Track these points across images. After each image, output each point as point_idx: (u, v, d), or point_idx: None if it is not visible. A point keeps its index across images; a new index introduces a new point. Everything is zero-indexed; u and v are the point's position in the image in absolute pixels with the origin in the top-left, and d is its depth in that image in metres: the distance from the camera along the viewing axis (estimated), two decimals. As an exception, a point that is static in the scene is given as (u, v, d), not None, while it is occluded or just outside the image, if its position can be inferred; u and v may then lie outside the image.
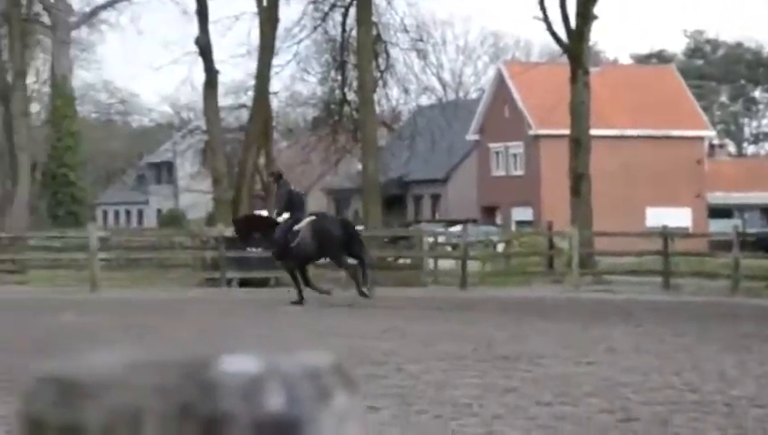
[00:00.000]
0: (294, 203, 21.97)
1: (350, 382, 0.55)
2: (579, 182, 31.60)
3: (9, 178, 38.88)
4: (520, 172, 53.94)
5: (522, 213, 52.36)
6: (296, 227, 21.47)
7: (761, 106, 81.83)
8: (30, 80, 43.60)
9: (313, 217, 22.29)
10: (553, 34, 32.19)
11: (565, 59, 33.49)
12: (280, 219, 21.65)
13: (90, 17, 49.23)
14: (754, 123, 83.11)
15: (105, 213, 71.54)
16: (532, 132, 52.47)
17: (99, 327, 16.46)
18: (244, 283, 26.92)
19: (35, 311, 19.36)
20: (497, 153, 55.48)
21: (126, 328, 16.26)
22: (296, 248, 21.35)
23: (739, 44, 79.16)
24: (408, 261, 30.78)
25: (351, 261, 22.02)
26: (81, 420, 0.47)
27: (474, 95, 67.06)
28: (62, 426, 0.48)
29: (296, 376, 0.52)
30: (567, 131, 32.97)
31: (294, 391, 0.50)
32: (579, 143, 31.86)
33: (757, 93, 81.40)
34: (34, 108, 50.50)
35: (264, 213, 24.49)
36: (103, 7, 48.69)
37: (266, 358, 0.53)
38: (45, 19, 44.54)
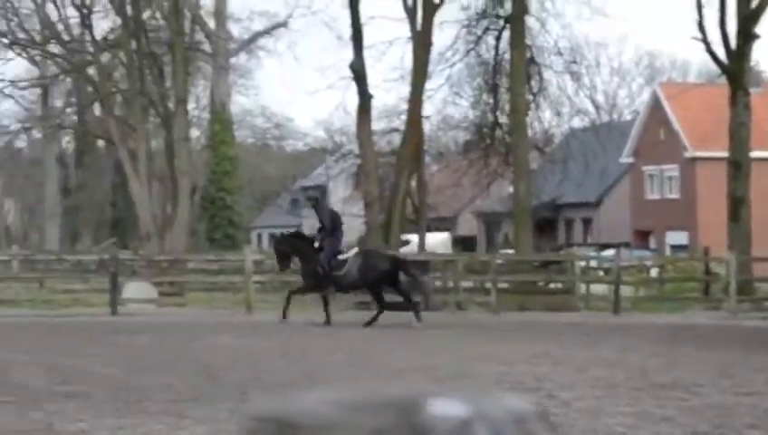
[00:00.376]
0: (335, 223, 22.18)
1: (553, 428, 0.56)
2: (737, 206, 30.79)
3: (169, 201, 40.06)
4: (675, 196, 52.84)
5: (677, 237, 51.23)
6: (341, 257, 21.77)
7: None
8: (190, 106, 44.89)
9: (359, 251, 22.64)
10: (712, 55, 31.47)
11: (724, 79, 32.74)
12: (325, 244, 21.87)
13: (248, 44, 50.47)
14: None
15: (260, 236, 72.96)
16: (688, 155, 51.38)
17: (255, 350, 16.82)
18: (391, 306, 27.13)
19: (194, 333, 19.89)
20: (651, 176, 54.48)
21: (281, 351, 16.57)
22: (341, 278, 21.67)
23: None
24: (560, 285, 30.50)
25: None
26: (301, 460, 0.52)
27: (628, 117, 66.10)
28: (282, 466, 0.53)
29: (503, 421, 0.54)
30: (725, 154, 32.19)
31: (502, 437, 0.53)
32: (738, 166, 31.07)
33: None
34: (194, 133, 51.92)
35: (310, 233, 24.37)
36: (262, 34, 49.84)
37: (473, 402, 0.55)
38: (206, 47, 45.82)
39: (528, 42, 34.80)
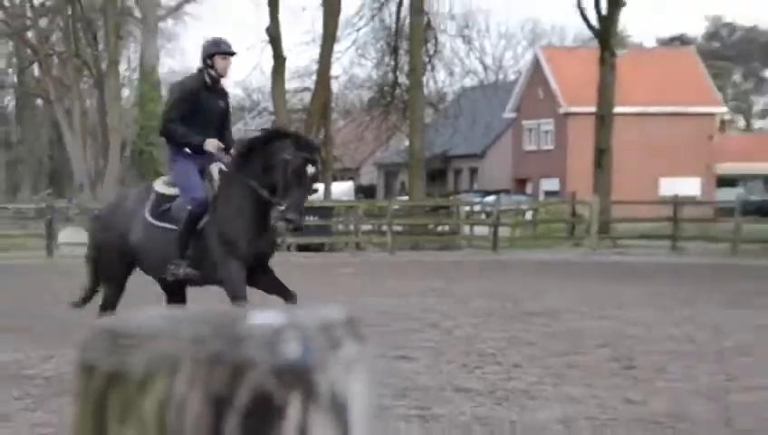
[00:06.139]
0: None
1: (359, 334, 0.68)
2: (601, 155, 31.53)
3: (101, 155, 39.49)
4: (549, 147, 53.71)
5: (550, 184, 52.15)
6: None
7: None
8: (121, 67, 44.14)
9: None
10: (586, 20, 32.07)
11: (596, 42, 33.32)
12: None
13: (175, 10, 49.70)
14: (763, 100, 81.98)
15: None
16: (562, 110, 52.15)
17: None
18: (302, 247, 27.21)
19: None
20: (530, 130, 55.24)
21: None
22: None
23: (754, 28, 77.85)
24: (447, 228, 30.97)
25: None
26: (127, 365, 0.57)
27: (512, 77, 66.67)
28: (111, 371, 0.58)
29: (311, 329, 0.65)
30: (593, 109, 32.85)
31: (309, 342, 0.62)
32: (603, 120, 31.77)
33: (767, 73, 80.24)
34: (125, 93, 51.03)
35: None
36: (188, 1, 49.12)
37: (289, 314, 0.65)
38: (136, 12, 45.03)
39: (426, 8, 35.00)
